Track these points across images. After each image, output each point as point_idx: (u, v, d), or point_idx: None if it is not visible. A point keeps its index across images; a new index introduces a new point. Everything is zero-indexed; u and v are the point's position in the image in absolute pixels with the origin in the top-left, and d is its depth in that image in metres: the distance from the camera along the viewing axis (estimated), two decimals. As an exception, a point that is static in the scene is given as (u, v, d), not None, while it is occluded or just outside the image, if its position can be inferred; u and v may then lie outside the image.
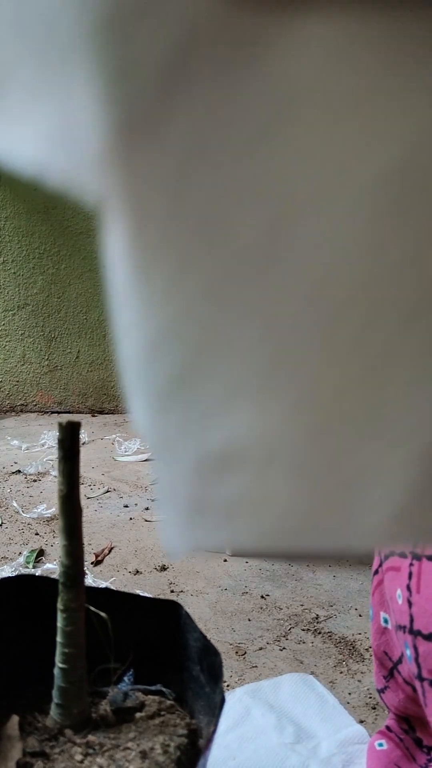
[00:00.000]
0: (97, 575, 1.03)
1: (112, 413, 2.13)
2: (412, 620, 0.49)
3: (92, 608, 0.49)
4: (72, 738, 0.50)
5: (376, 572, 0.57)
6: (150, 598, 0.57)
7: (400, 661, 0.56)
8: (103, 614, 0.50)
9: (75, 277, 2.09)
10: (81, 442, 0.46)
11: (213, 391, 0.17)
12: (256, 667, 0.80)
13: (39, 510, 1.30)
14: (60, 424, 0.44)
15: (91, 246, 2.06)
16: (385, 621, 0.57)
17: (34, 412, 2.17)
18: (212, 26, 0.16)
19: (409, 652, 0.51)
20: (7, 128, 0.18)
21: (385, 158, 0.16)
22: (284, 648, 0.84)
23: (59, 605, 0.48)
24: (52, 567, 1.06)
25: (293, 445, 0.17)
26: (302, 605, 0.94)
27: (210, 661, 0.50)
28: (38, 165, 0.18)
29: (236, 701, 0.72)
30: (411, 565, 0.50)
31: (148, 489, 1.45)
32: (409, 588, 0.50)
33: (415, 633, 0.49)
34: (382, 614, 0.57)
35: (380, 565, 0.56)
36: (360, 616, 0.91)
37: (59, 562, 0.48)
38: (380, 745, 0.61)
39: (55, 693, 0.50)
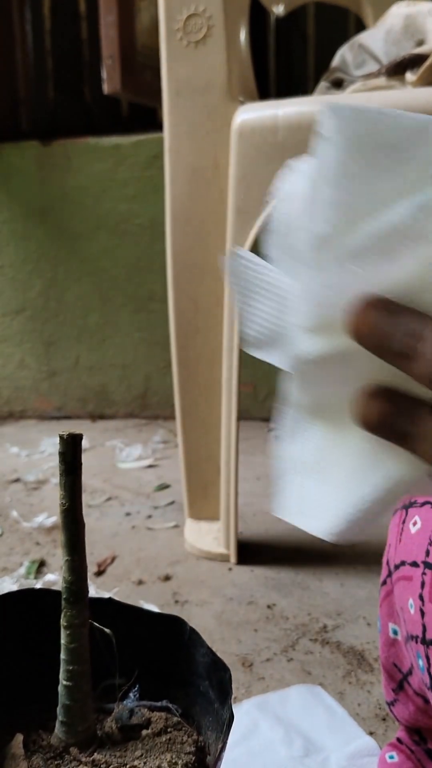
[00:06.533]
0: (99, 586, 1.02)
1: (112, 418, 2.12)
2: (424, 630, 0.48)
3: (96, 624, 0.48)
4: (77, 756, 0.49)
5: (384, 583, 0.56)
6: (154, 612, 0.56)
7: (410, 672, 0.55)
8: (107, 631, 0.49)
9: (73, 281, 2.07)
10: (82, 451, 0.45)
11: None
12: (263, 678, 0.79)
13: (39, 519, 1.28)
14: (61, 437, 0.43)
15: (89, 249, 2.04)
16: (395, 632, 0.56)
17: (33, 418, 2.16)
18: None
19: (421, 663, 0.50)
20: None
21: None
22: (292, 659, 0.83)
23: (63, 622, 0.47)
24: (53, 578, 1.05)
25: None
26: (309, 614, 0.93)
27: (219, 676, 0.49)
28: None
29: (243, 714, 0.71)
30: (423, 574, 0.49)
31: (150, 496, 1.43)
32: (421, 597, 0.49)
33: (427, 643, 0.48)
34: (391, 626, 0.56)
35: (388, 576, 0.55)
36: (368, 625, 0.90)
37: (62, 578, 0.47)
38: (391, 757, 0.60)
39: (59, 710, 0.49)
